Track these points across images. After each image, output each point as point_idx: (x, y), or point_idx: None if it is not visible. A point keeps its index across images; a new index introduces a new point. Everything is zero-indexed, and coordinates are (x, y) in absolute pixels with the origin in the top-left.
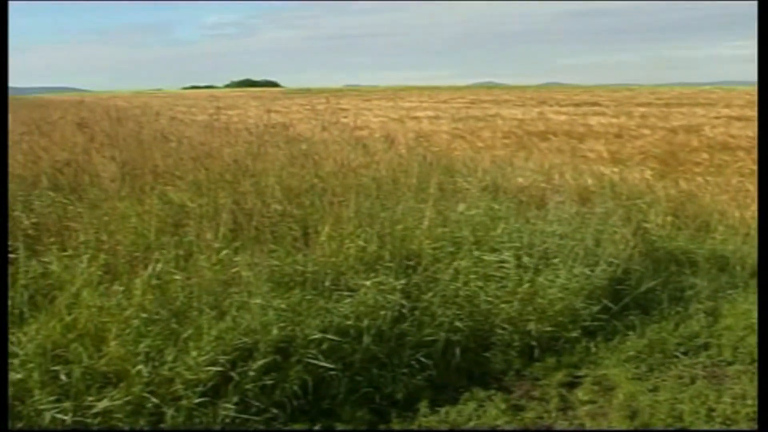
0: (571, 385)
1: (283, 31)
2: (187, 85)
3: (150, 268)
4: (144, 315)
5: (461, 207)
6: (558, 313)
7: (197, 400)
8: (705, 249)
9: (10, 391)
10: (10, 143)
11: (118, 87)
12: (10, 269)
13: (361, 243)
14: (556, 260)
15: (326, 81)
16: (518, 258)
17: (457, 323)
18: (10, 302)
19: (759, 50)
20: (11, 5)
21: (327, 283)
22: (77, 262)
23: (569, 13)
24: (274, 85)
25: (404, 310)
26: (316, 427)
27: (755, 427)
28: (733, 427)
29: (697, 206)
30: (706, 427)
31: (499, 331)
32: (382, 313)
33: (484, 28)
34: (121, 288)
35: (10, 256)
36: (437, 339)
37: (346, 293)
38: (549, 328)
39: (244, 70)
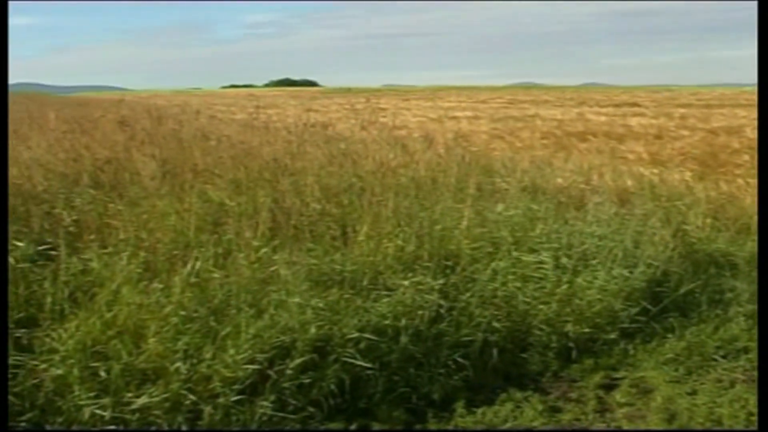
0: (609, 387)
1: (322, 30)
2: (227, 84)
3: (189, 266)
4: (183, 313)
5: (500, 207)
6: (596, 315)
7: (234, 398)
8: (745, 251)
9: (51, 386)
10: (52, 141)
11: (157, 86)
12: (52, 266)
13: (399, 242)
14: (594, 261)
15: (365, 80)
16: (557, 259)
17: (495, 324)
18: (50, 298)
19: (759, 50)
20: (54, 5)
21: (365, 283)
22: (117, 260)
23: (611, 13)
24: (313, 84)
25: (442, 310)
26: (353, 427)
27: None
28: None
29: (737, 208)
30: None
31: (537, 332)
32: (420, 312)
33: (524, 27)
34: (161, 286)
35: (52, 252)
36: (474, 339)
37: (384, 293)
38: (587, 330)
39: (283, 69)
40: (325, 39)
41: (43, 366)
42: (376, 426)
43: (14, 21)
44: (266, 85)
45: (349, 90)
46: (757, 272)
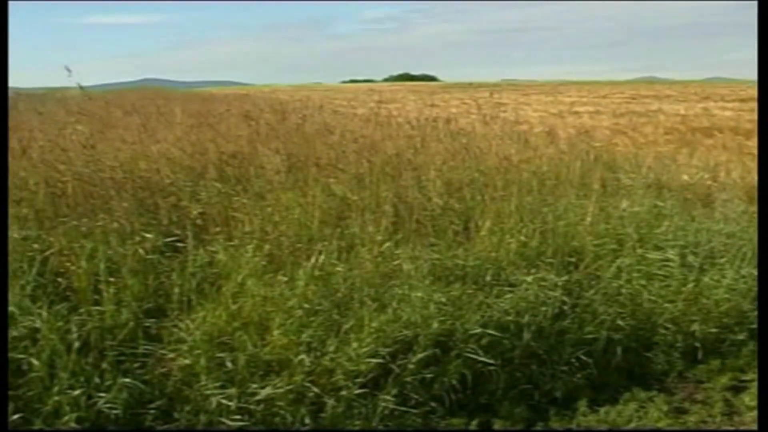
0: (737, 389)
1: (441, 25)
2: (346, 79)
3: (313, 259)
4: (307, 305)
5: (624, 204)
6: (723, 315)
7: (357, 392)
8: None
9: (178, 375)
10: (179, 135)
11: (278, 81)
12: (180, 257)
13: (522, 238)
14: (722, 260)
15: (484, 75)
16: (683, 257)
17: (619, 322)
18: (178, 289)
19: (759, 50)
20: (177, 4)
21: (488, 278)
22: (243, 252)
23: (737, 4)
24: (432, 79)
25: (565, 307)
26: (474, 422)
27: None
28: None
29: None
30: None
31: (662, 331)
32: (543, 309)
33: (645, 21)
34: (285, 278)
35: (179, 244)
36: (598, 337)
37: (506, 288)
38: (714, 330)
39: (402, 64)
40: (443, 34)
41: (171, 355)
42: (497, 423)
43: (137, 19)
44: (385, 80)
45: (470, 85)
46: (757, 272)
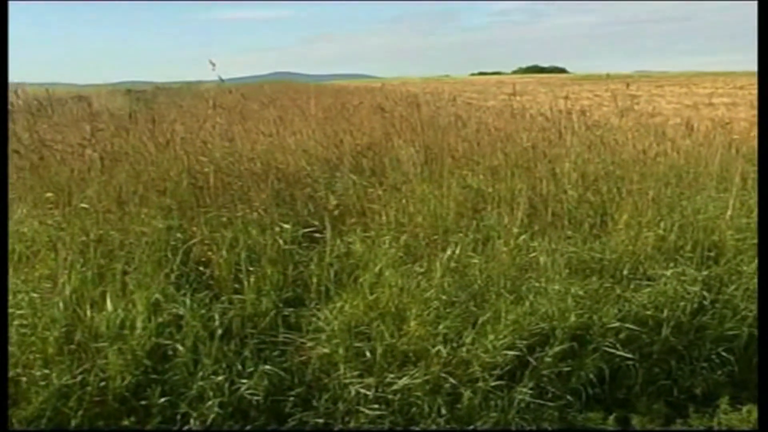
0: None
1: (570, 16)
2: (475, 71)
3: (449, 251)
4: (443, 297)
5: None
6: None
7: (493, 384)
8: None
9: (317, 364)
10: (314, 127)
11: (407, 73)
12: (317, 248)
13: (660, 232)
14: None
15: (615, 67)
16: None
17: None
18: (316, 279)
19: (759, 50)
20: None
21: (625, 272)
22: (379, 243)
23: None
24: (562, 71)
25: (705, 302)
26: (611, 417)
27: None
28: None
29: None
30: None
31: None
32: (682, 304)
33: None
34: (421, 269)
35: (316, 235)
36: (739, 334)
37: (644, 282)
38: None
39: (531, 56)
40: (573, 25)
41: (310, 344)
42: (635, 418)
43: (268, 14)
44: (514, 72)
45: (608, 76)
46: (757, 271)
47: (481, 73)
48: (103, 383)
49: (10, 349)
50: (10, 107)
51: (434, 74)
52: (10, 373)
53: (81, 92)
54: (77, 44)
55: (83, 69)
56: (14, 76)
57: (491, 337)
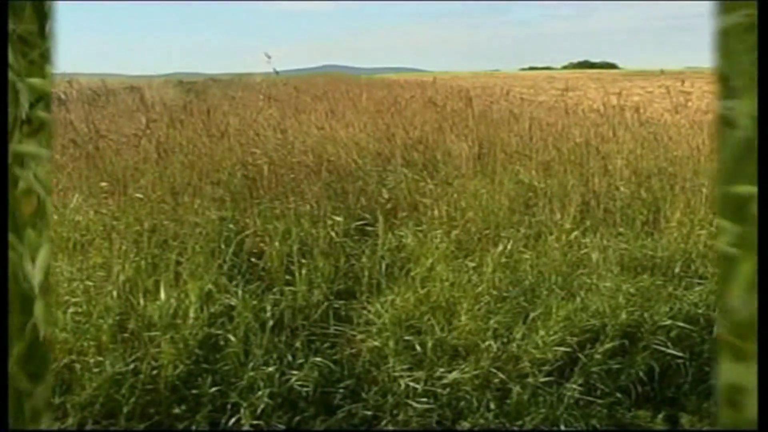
0: None
1: (622, 10)
2: (524, 66)
3: (500, 246)
4: (494, 292)
5: None
6: None
7: (543, 379)
8: None
9: (367, 356)
10: (366, 120)
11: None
12: (369, 241)
13: (713, 230)
14: None
15: (666, 63)
16: None
17: None
18: (367, 272)
19: (759, 50)
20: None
21: (676, 270)
22: (431, 237)
23: None
24: (612, 66)
25: None
26: (660, 416)
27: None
28: None
29: None
30: None
31: None
32: None
33: None
34: (473, 264)
35: (368, 228)
36: None
37: (696, 281)
38: None
39: (581, 51)
40: (624, 19)
41: (361, 337)
42: (684, 416)
43: (317, 6)
44: (564, 68)
45: (662, 72)
46: (757, 271)
47: (531, 68)
48: (155, 371)
49: (65, 335)
50: (63, 96)
51: (483, 69)
52: (65, 360)
53: (132, 83)
54: (128, 35)
55: (134, 60)
56: (68, 67)
57: (542, 332)
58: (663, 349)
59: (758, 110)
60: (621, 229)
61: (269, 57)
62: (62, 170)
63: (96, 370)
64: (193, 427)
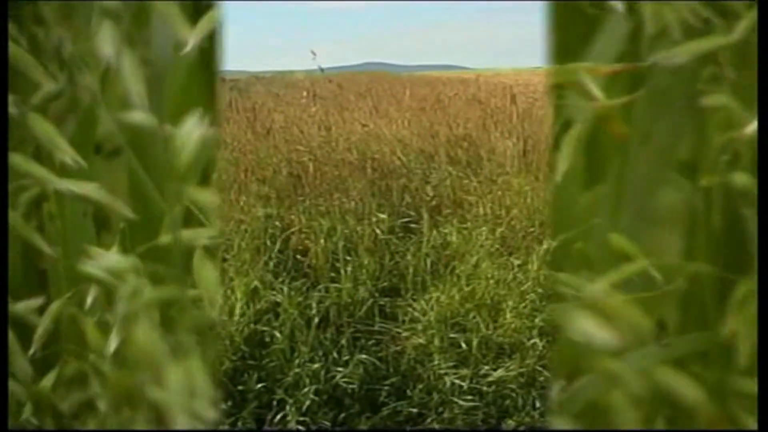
0: None
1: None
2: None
3: (545, 244)
4: (539, 290)
5: None
6: None
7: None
8: None
9: (412, 354)
10: (409, 117)
11: (498, 65)
12: (413, 238)
13: None
14: None
15: None
16: None
17: None
18: (412, 269)
19: (759, 50)
20: None
21: None
22: (476, 235)
23: None
24: None
25: None
26: None
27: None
28: None
29: None
30: None
31: None
32: None
33: None
34: (517, 262)
35: (412, 225)
36: None
37: None
38: None
39: None
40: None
41: (406, 334)
42: None
43: (359, 4)
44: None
45: None
46: (757, 271)
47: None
48: None
49: None
50: None
51: (526, 66)
52: None
53: None
54: None
55: None
56: None
57: None
58: None
59: (758, 110)
60: None
61: (315, 54)
62: None
63: None
64: (240, 424)
